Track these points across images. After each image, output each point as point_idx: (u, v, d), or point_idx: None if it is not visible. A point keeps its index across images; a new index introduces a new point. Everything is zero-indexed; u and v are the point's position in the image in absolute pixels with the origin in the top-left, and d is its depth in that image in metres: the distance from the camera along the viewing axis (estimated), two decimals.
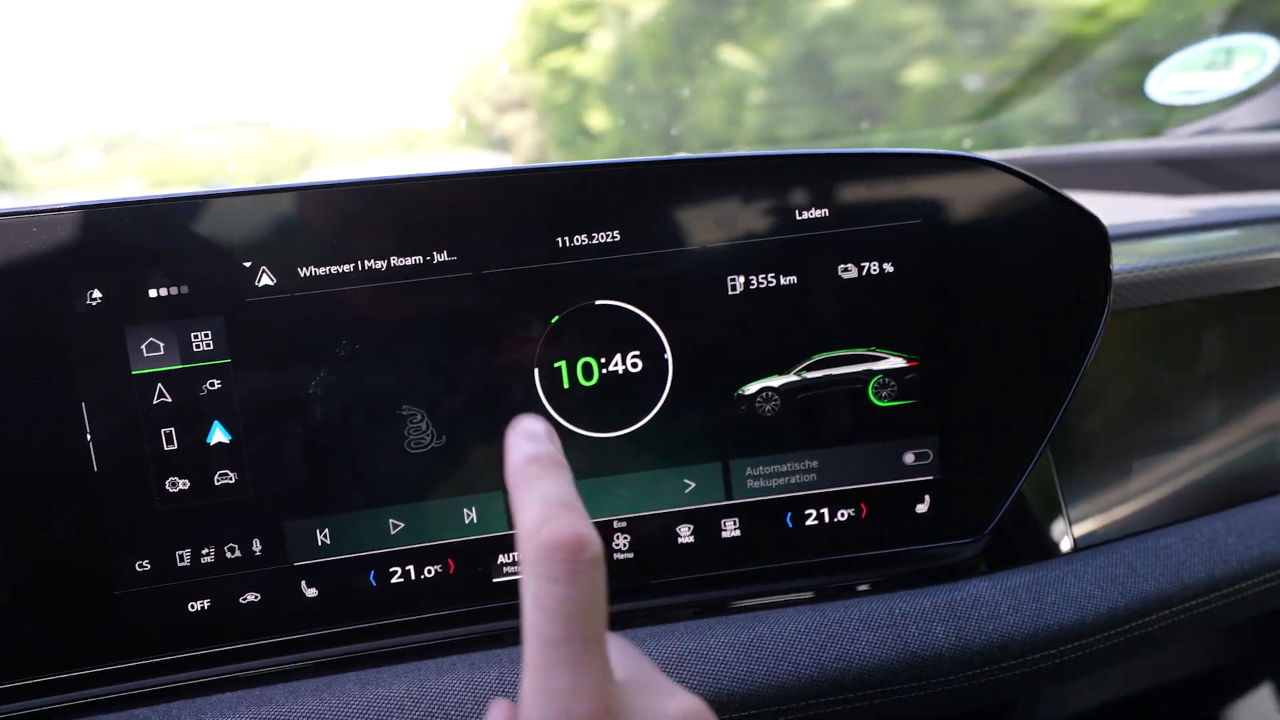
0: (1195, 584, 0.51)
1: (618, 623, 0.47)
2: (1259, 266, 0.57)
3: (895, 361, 0.47)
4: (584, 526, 0.29)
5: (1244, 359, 0.60)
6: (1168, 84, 1.10)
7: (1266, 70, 1.05)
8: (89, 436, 0.42)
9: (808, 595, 0.49)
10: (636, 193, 0.45)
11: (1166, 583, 0.50)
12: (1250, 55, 1.05)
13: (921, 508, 0.48)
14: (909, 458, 0.48)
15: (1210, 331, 0.59)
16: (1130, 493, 0.56)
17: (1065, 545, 0.53)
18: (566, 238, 0.45)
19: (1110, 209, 0.51)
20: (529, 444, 0.33)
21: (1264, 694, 0.78)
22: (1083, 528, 0.54)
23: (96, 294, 0.42)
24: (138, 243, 0.42)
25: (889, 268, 0.47)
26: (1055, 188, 0.47)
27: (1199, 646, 0.74)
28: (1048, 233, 0.47)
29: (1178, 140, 1.15)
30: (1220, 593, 0.52)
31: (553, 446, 0.33)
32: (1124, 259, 0.55)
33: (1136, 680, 0.71)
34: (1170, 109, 1.14)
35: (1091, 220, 0.47)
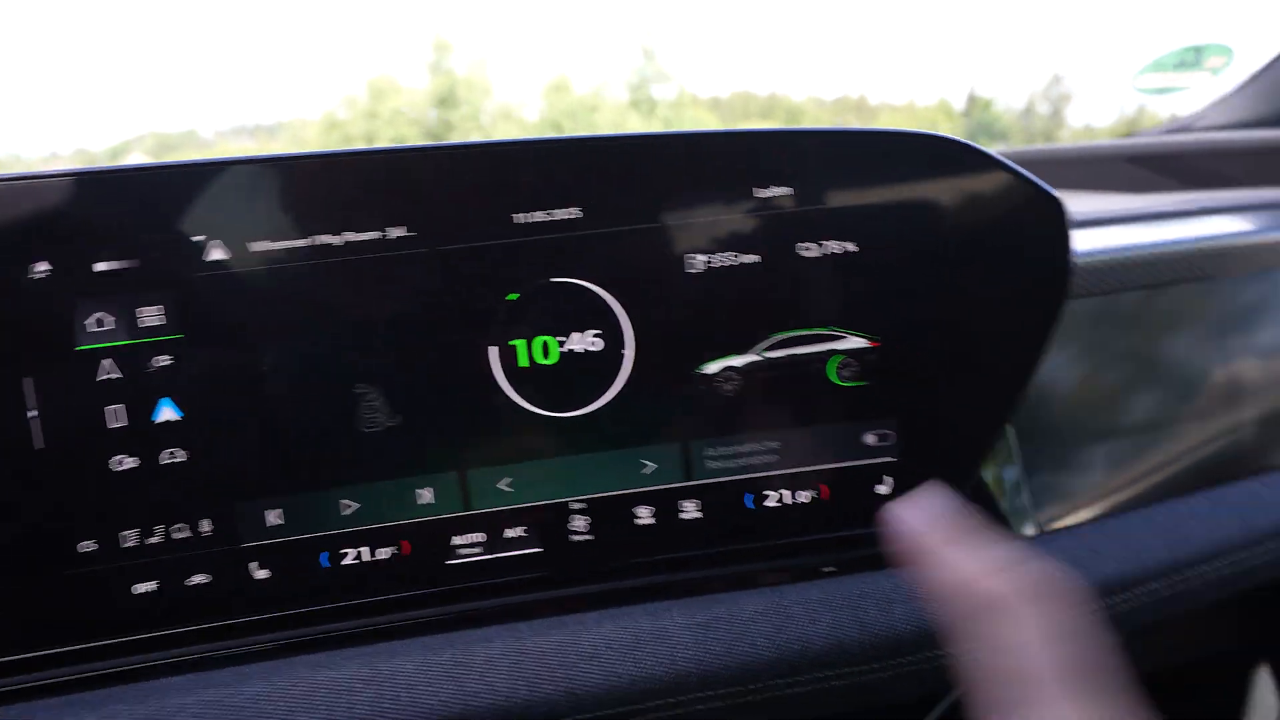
0: (1157, 566, 0.51)
1: (572, 606, 0.46)
2: (1224, 253, 0.58)
3: (856, 341, 0.47)
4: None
5: (1206, 347, 0.60)
6: (1140, 82, 1.10)
7: (1234, 69, 1.06)
8: (31, 413, 0.41)
9: (768, 577, 0.48)
10: (597, 169, 0.45)
11: (1128, 565, 0.50)
12: (1219, 55, 1.06)
13: (883, 489, 0.48)
14: (870, 438, 0.48)
15: (1173, 318, 0.59)
16: (1092, 478, 0.55)
17: (1028, 530, 0.53)
18: (524, 214, 0.44)
19: (1081, 205, 0.51)
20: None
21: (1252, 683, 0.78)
22: (1045, 512, 0.54)
23: (42, 266, 0.41)
24: (86, 215, 0.41)
25: (851, 246, 0.46)
26: (1016, 166, 0.46)
27: (1175, 640, 0.74)
28: (1009, 212, 0.47)
29: (1149, 138, 1.16)
30: (1182, 575, 0.51)
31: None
32: (1087, 244, 0.55)
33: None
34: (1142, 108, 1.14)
35: (1051, 200, 0.47)
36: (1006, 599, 0.30)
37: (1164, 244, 0.56)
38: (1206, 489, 0.56)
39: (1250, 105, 1.07)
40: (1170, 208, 0.66)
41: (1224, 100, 1.09)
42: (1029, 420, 0.54)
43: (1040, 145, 1.30)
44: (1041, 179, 0.47)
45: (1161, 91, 1.10)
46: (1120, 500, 0.55)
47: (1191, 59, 1.06)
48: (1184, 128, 1.13)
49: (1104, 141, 1.21)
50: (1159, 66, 1.09)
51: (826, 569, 0.49)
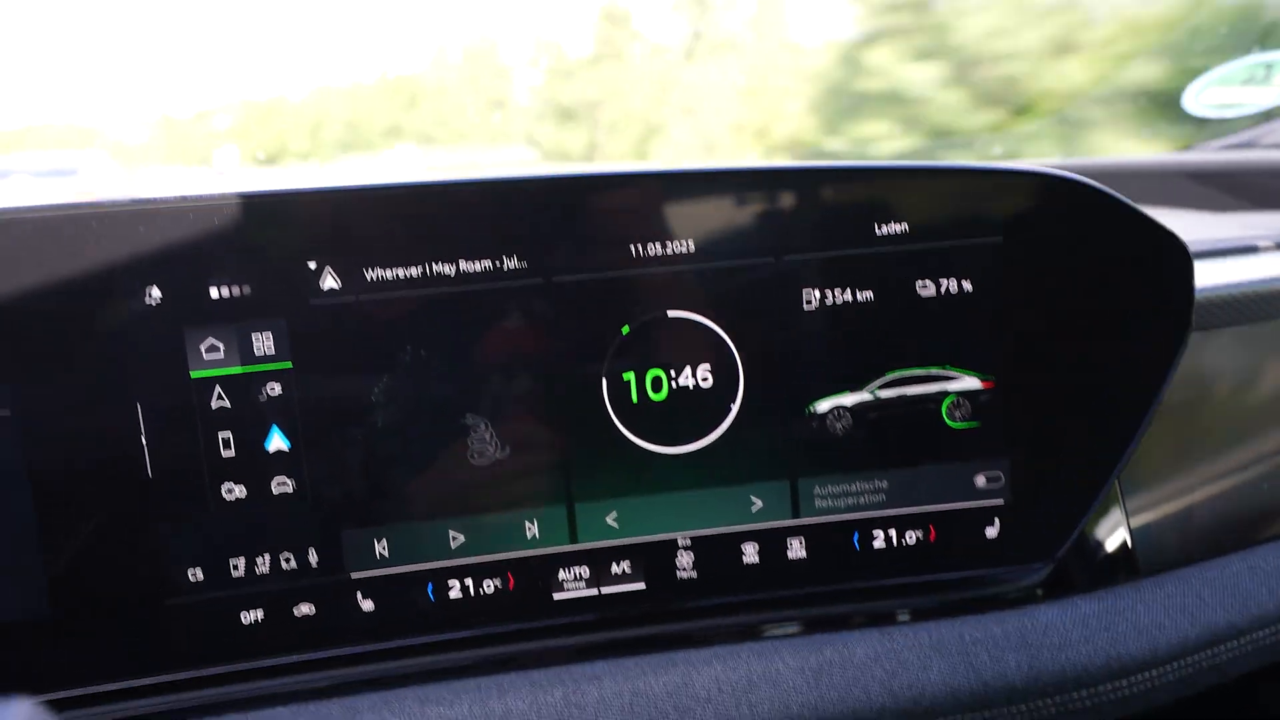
0: (1264, 614, 0.50)
1: (678, 643, 0.46)
2: None
3: (970, 382, 0.46)
4: None
5: None
6: (1204, 98, 1.08)
7: None
8: (144, 439, 0.41)
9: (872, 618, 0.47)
10: (713, 202, 0.44)
11: (1236, 613, 0.49)
12: None
13: (991, 531, 0.47)
14: (980, 480, 0.47)
15: (1268, 355, 0.58)
16: (1193, 518, 0.54)
17: (1129, 571, 0.52)
18: (641, 246, 0.44)
19: None
20: None
21: None
22: (1146, 553, 0.53)
23: (156, 292, 0.41)
24: (200, 241, 0.41)
25: (967, 285, 0.45)
26: (1140, 209, 0.45)
27: None
28: (1129, 253, 0.46)
29: (1208, 154, 1.14)
30: None
31: None
32: None
33: None
34: (1204, 123, 1.12)
35: (1176, 244, 0.46)
36: None
37: (1268, 280, 0.55)
38: None
39: None
40: (1259, 239, 0.65)
41: None
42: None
43: (1094, 158, 1.28)
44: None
45: (1226, 109, 1.08)
46: (1221, 543, 0.54)
47: (1261, 74, 1.04)
48: (1248, 143, 1.11)
49: (1163, 155, 1.20)
50: (1225, 81, 1.07)
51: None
